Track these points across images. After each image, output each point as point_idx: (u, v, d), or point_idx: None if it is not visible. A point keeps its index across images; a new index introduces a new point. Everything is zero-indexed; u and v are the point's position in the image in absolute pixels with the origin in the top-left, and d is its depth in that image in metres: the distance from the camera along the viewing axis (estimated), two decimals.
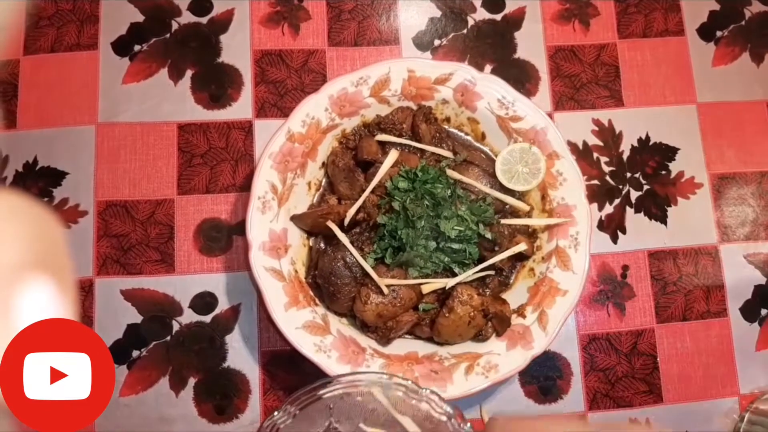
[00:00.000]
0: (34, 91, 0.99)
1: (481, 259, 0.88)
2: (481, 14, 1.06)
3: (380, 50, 1.04)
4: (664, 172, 1.03)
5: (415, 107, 0.94)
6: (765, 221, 1.02)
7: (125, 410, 0.92)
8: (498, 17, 1.06)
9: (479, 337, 0.89)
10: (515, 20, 1.06)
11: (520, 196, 0.93)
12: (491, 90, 0.93)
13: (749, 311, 0.99)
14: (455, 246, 0.86)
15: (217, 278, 0.95)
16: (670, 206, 1.02)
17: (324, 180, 0.94)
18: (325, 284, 0.88)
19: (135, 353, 0.93)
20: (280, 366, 0.94)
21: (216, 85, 1.01)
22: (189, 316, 0.94)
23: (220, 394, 0.93)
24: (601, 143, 1.03)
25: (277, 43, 1.02)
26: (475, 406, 0.94)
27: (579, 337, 0.97)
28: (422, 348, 0.90)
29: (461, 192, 0.89)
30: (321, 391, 0.76)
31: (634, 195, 1.02)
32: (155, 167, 0.98)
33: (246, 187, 0.96)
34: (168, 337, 0.94)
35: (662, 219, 1.01)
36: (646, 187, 1.02)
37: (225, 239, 0.97)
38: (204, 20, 1.02)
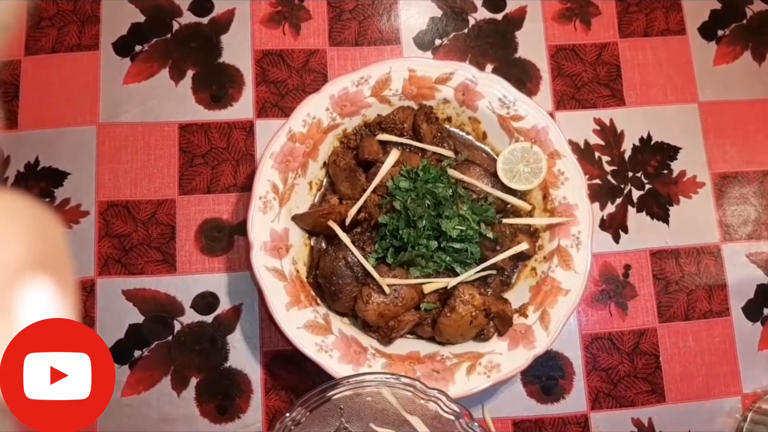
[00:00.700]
0: (36, 92, 0.99)
1: (483, 259, 0.88)
2: (482, 14, 1.06)
3: (381, 50, 1.04)
4: (665, 172, 1.03)
5: (416, 107, 0.93)
6: (767, 220, 1.02)
7: (127, 410, 0.92)
8: (499, 16, 1.06)
9: (481, 336, 0.88)
10: (516, 19, 1.06)
11: (522, 195, 0.93)
12: (492, 89, 0.93)
13: (752, 311, 0.99)
14: (457, 245, 0.86)
15: (219, 278, 0.95)
16: (672, 205, 1.01)
17: (325, 180, 0.94)
18: (326, 284, 0.88)
19: (137, 353, 0.93)
20: (281, 366, 0.94)
21: (217, 85, 1.01)
22: (190, 316, 0.94)
23: (222, 394, 0.93)
24: (602, 142, 1.02)
25: (278, 43, 1.02)
26: (477, 405, 0.94)
27: (581, 337, 0.97)
28: (424, 348, 0.90)
29: (462, 191, 0.89)
30: (330, 392, 0.76)
31: (636, 194, 1.01)
32: (156, 167, 0.98)
33: (247, 187, 0.96)
34: (170, 337, 0.94)
35: (664, 218, 1.01)
36: (647, 187, 1.02)
37: (226, 239, 0.97)
38: (205, 20, 1.02)
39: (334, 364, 0.84)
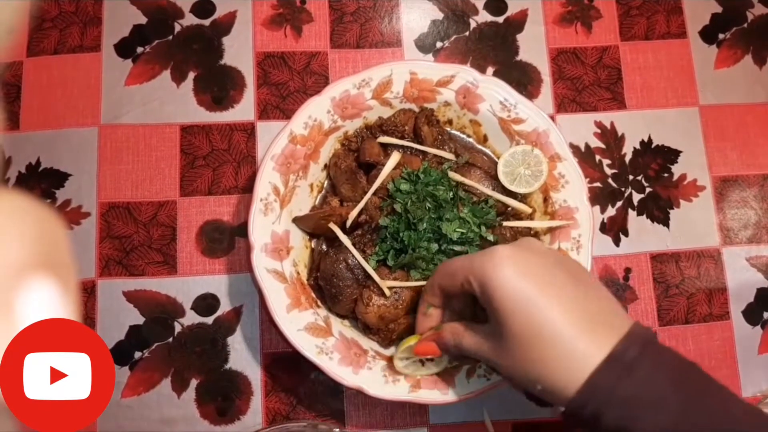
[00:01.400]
0: (37, 93, 0.99)
1: None
2: (484, 16, 1.06)
3: (382, 52, 1.04)
4: (666, 175, 1.03)
5: (417, 109, 0.94)
6: (767, 224, 1.02)
7: (127, 411, 0.92)
8: (500, 19, 1.06)
9: None
10: (517, 22, 1.06)
11: (522, 198, 0.93)
12: (493, 92, 0.93)
13: (751, 314, 0.99)
14: (457, 248, 0.86)
15: (219, 280, 0.96)
16: (673, 209, 1.02)
17: (326, 182, 0.94)
18: (327, 286, 0.88)
19: (137, 354, 0.93)
20: (282, 368, 0.94)
21: (218, 87, 1.01)
22: (191, 318, 0.94)
23: (222, 396, 0.93)
24: (603, 145, 1.03)
25: (279, 45, 1.02)
26: (477, 408, 0.94)
27: None
28: None
29: (463, 194, 0.89)
30: None
31: (637, 197, 1.01)
32: (158, 169, 0.98)
33: (248, 188, 0.96)
34: (170, 339, 0.94)
35: (664, 221, 1.01)
36: (648, 190, 1.02)
37: (227, 241, 0.97)
38: (206, 22, 1.03)
39: (335, 367, 0.84)
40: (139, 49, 1.01)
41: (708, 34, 1.08)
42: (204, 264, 0.96)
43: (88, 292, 0.94)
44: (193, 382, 0.93)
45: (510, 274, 0.66)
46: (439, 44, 1.04)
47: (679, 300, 0.99)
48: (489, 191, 0.90)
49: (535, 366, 0.64)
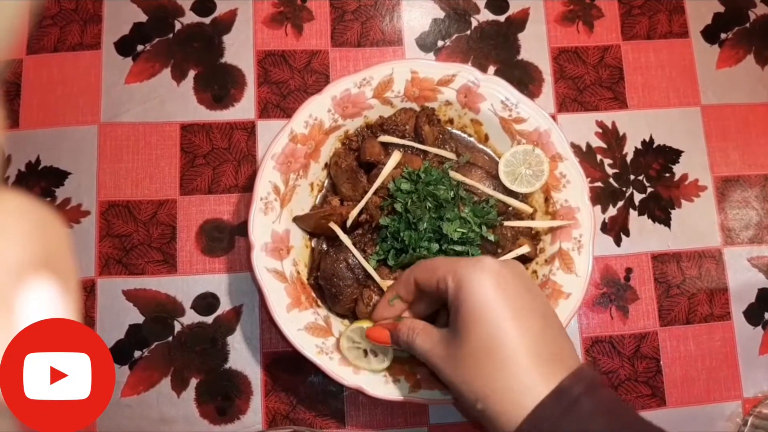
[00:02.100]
0: (37, 91, 0.99)
1: None
2: (485, 15, 1.06)
3: (383, 51, 1.04)
4: (667, 175, 1.02)
5: (418, 109, 0.93)
6: None
7: (127, 411, 0.91)
8: (501, 18, 1.06)
9: None
10: (519, 22, 1.06)
11: (523, 198, 0.92)
12: (494, 91, 0.92)
13: (753, 315, 0.99)
14: (458, 248, 0.85)
15: (219, 279, 0.95)
16: (674, 209, 1.01)
17: (326, 181, 0.94)
18: (327, 286, 0.88)
19: (137, 354, 0.93)
20: (281, 367, 0.94)
21: (219, 86, 1.01)
22: (191, 317, 0.94)
23: (222, 395, 0.93)
24: (604, 145, 1.02)
25: (280, 44, 1.02)
26: None
27: (582, 340, 0.97)
28: None
29: (464, 194, 0.89)
30: None
31: (638, 197, 1.01)
32: (158, 167, 0.98)
33: (248, 187, 0.96)
34: (170, 338, 0.94)
35: (666, 222, 1.01)
36: (649, 190, 1.02)
37: (227, 240, 0.96)
38: (207, 20, 1.02)
39: (335, 366, 0.84)
40: (140, 47, 1.01)
41: (710, 34, 1.08)
42: (204, 263, 0.96)
43: (88, 291, 0.94)
44: (193, 382, 0.93)
45: (489, 286, 0.67)
46: (440, 43, 1.04)
47: (680, 300, 0.98)
48: (490, 191, 0.90)
49: (484, 383, 0.65)
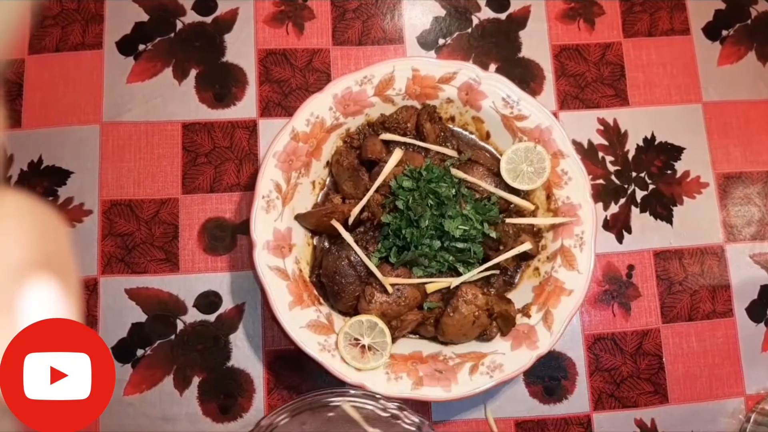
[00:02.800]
0: (39, 91, 0.99)
1: (486, 259, 0.88)
2: (486, 13, 1.06)
3: (384, 49, 1.04)
4: (669, 172, 1.02)
5: (419, 106, 0.93)
6: None
7: (129, 409, 0.92)
8: (503, 16, 1.06)
9: (484, 336, 0.88)
10: (520, 19, 1.06)
11: (525, 195, 0.92)
12: (496, 89, 0.92)
13: (755, 311, 0.99)
14: (460, 245, 0.85)
15: (222, 277, 0.95)
16: (676, 206, 1.01)
17: (328, 179, 0.94)
18: (329, 283, 0.88)
19: (139, 352, 0.93)
20: (284, 365, 0.94)
21: (220, 85, 1.01)
22: (193, 315, 0.94)
23: (224, 394, 0.93)
24: (606, 142, 1.02)
25: (281, 43, 1.02)
26: (479, 405, 0.94)
27: (584, 337, 0.97)
28: (427, 347, 0.90)
29: (466, 191, 0.89)
30: (293, 410, 0.76)
31: (640, 194, 1.01)
32: (160, 166, 0.98)
33: (250, 186, 0.96)
34: (172, 336, 0.94)
35: (668, 218, 1.01)
36: (651, 187, 1.02)
37: (229, 238, 0.97)
38: (208, 20, 1.03)
39: (337, 364, 0.84)
40: (141, 47, 1.01)
41: (711, 31, 1.07)
42: (206, 261, 0.96)
43: (91, 290, 0.94)
44: (196, 380, 0.93)
45: None
46: (441, 41, 1.04)
47: (682, 297, 0.98)
48: (491, 188, 0.90)
49: None
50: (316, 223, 0.89)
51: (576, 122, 1.02)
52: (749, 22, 1.08)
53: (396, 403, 0.76)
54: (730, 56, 1.07)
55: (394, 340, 0.88)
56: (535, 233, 0.93)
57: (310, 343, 0.84)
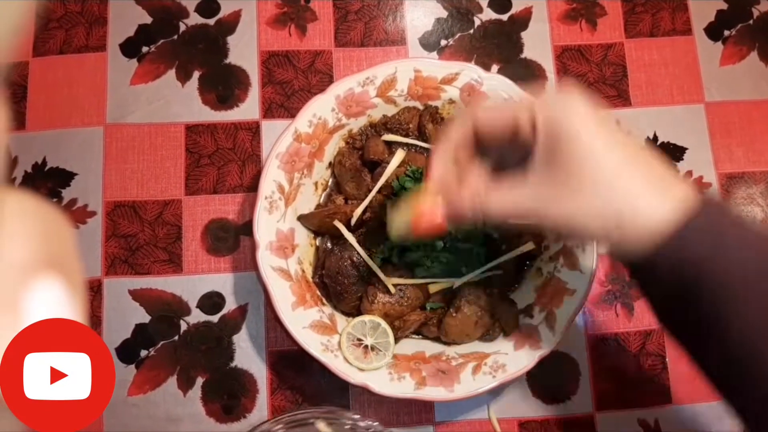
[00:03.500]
0: (43, 93, 1.00)
1: (488, 259, 0.88)
2: (488, 14, 1.06)
3: (387, 50, 1.04)
4: None
5: (421, 107, 0.94)
6: None
7: (133, 410, 0.92)
8: (504, 17, 1.06)
9: (486, 337, 0.89)
10: (522, 20, 1.06)
11: None
12: (498, 90, 0.92)
13: None
14: (462, 246, 0.86)
15: (225, 278, 0.96)
16: None
17: (331, 180, 0.95)
18: (332, 284, 0.88)
19: (143, 353, 0.94)
20: (287, 366, 0.94)
21: (223, 86, 1.01)
22: (196, 316, 0.95)
23: (228, 394, 0.93)
24: None
25: (283, 44, 1.03)
26: (482, 406, 0.94)
27: (587, 337, 0.97)
28: (429, 348, 0.90)
29: None
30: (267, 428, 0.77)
31: None
32: (163, 168, 0.98)
33: (253, 187, 0.96)
34: (176, 337, 0.94)
35: None
36: None
37: (232, 239, 0.97)
38: (211, 22, 1.03)
39: (340, 364, 0.84)
40: (145, 49, 1.02)
41: (713, 31, 1.07)
42: (209, 262, 0.96)
43: (95, 291, 0.94)
44: (199, 381, 0.93)
45: (591, 119, 0.60)
46: (443, 42, 1.04)
47: None
48: None
49: (623, 200, 0.59)
50: (318, 223, 0.90)
51: None
52: (751, 22, 1.08)
53: (371, 422, 0.77)
54: (733, 56, 1.07)
55: (396, 340, 0.88)
56: (538, 234, 0.93)
57: (313, 344, 0.84)
